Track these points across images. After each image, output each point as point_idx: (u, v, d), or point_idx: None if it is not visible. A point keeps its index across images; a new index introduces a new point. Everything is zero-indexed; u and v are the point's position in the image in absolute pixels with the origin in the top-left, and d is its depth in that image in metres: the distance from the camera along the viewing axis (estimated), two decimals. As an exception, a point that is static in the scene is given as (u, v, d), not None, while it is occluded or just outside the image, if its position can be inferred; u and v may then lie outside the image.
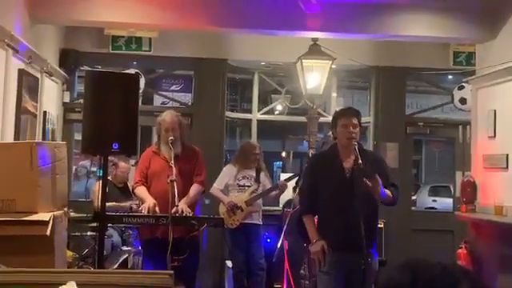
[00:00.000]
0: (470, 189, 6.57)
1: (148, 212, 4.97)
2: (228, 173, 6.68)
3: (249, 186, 6.58)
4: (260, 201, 6.65)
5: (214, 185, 6.58)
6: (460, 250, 6.48)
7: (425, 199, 16.11)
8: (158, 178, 5.16)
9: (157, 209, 4.97)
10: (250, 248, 6.56)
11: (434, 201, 15.81)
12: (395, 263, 1.28)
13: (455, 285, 1.10)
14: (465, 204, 6.59)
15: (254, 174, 6.63)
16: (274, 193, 6.66)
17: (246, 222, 6.51)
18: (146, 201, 5.07)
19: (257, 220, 6.60)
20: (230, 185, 6.59)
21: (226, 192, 6.59)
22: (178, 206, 4.91)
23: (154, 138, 9.80)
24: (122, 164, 6.88)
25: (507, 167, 5.98)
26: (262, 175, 6.68)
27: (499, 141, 6.18)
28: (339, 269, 4.21)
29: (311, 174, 4.51)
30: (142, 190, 5.25)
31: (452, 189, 9.50)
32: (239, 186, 6.59)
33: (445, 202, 13.51)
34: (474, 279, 1.13)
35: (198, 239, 5.26)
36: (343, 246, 4.15)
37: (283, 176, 7.91)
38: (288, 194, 6.89)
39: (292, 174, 6.88)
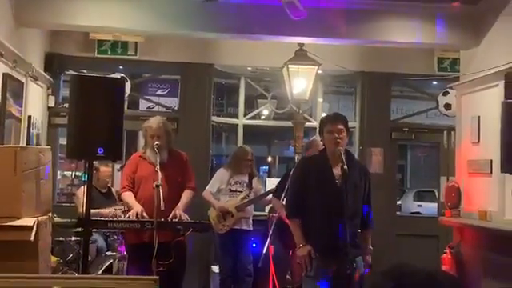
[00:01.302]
0: (455, 194, 6.61)
1: (136, 218, 4.96)
2: (220, 177, 6.67)
3: (240, 192, 6.56)
4: (251, 207, 6.64)
5: (207, 188, 6.58)
6: (444, 255, 6.51)
7: (410, 204, 16.19)
8: (145, 183, 5.15)
9: (144, 214, 4.97)
10: (238, 254, 6.54)
11: (419, 206, 15.90)
12: (380, 268, 1.29)
13: (439, 291, 1.11)
14: (449, 209, 6.63)
15: (247, 180, 6.61)
16: (268, 198, 6.62)
17: (236, 227, 6.50)
18: (134, 207, 5.06)
19: (246, 226, 6.58)
20: (222, 189, 6.58)
21: (217, 196, 6.57)
22: (175, 212, 4.96)
23: (140, 143, 9.79)
24: (102, 168, 6.84)
25: (491, 172, 6.03)
26: (255, 181, 6.67)
27: (483, 146, 6.23)
28: (325, 273, 4.22)
29: (300, 178, 4.51)
30: (128, 196, 5.23)
31: (437, 194, 9.55)
32: (231, 190, 6.58)
33: (430, 207, 13.59)
34: (457, 285, 1.14)
35: (184, 244, 5.26)
36: (329, 251, 4.16)
37: (269, 181, 7.92)
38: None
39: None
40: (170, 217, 4.97)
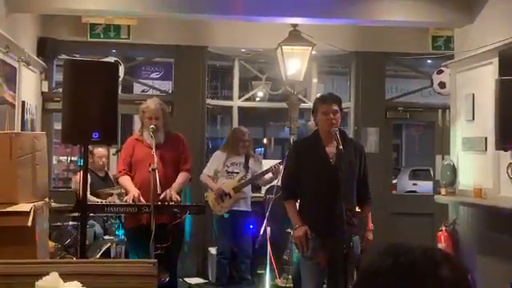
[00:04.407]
0: (450, 172, 6.64)
1: (133, 202, 4.98)
2: (217, 159, 6.69)
3: (237, 173, 6.58)
4: (249, 188, 6.66)
5: (204, 171, 6.61)
6: (440, 233, 6.55)
7: (405, 183, 16.23)
8: (142, 166, 5.15)
9: (141, 198, 4.98)
10: (237, 235, 6.57)
11: (415, 184, 15.94)
12: (376, 247, 1.29)
13: (436, 269, 1.11)
14: (444, 187, 6.67)
15: (243, 161, 6.63)
16: (268, 176, 6.63)
17: (234, 209, 6.52)
18: (130, 191, 5.08)
19: (245, 207, 6.60)
20: (219, 171, 6.60)
21: (215, 178, 6.60)
22: (167, 192, 4.96)
23: (135, 127, 9.78)
24: (97, 150, 6.79)
25: (486, 150, 6.05)
26: (251, 161, 6.68)
27: (478, 124, 6.25)
28: (322, 253, 4.24)
29: (294, 159, 4.52)
30: (125, 180, 5.24)
31: (432, 172, 9.59)
32: (228, 172, 6.59)
33: (425, 186, 13.64)
34: (454, 262, 1.15)
35: (181, 226, 5.28)
36: (326, 231, 4.19)
37: (265, 162, 7.92)
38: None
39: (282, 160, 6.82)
40: (162, 197, 4.93)
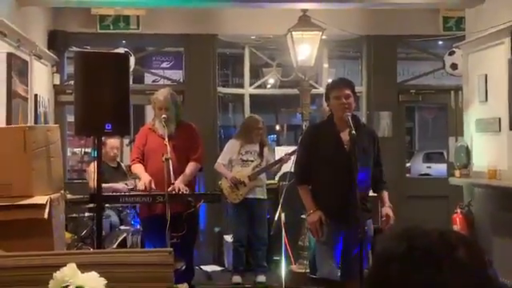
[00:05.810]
0: (464, 154, 6.61)
1: (145, 188, 5.00)
2: (231, 148, 6.68)
3: (252, 161, 6.58)
4: (264, 175, 6.66)
5: (218, 160, 6.62)
6: (455, 215, 6.54)
7: (419, 166, 16.17)
8: (154, 156, 5.16)
9: (153, 185, 5.00)
10: (253, 223, 6.58)
11: (429, 167, 15.87)
12: (390, 231, 1.29)
13: (452, 251, 1.11)
14: (459, 169, 6.64)
15: (258, 149, 6.63)
16: (278, 165, 6.65)
17: (250, 196, 6.52)
18: (142, 178, 5.10)
19: (260, 195, 6.60)
20: (234, 160, 6.60)
21: (229, 167, 6.61)
22: (174, 184, 4.93)
23: (147, 117, 9.81)
24: (110, 141, 6.78)
25: (500, 131, 6.01)
26: (266, 150, 6.68)
27: (491, 105, 6.20)
28: (337, 238, 4.25)
29: (307, 144, 4.51)
30: (138, 168, 5.27)
31: (446, 154, 9.54)
32: (243, 160, 6.59)
33: (439, 168, 13.57)
34: (470, 244, 1.14)
35: (196, 215, 5.30)
36: (340, 216, 4.19)
37: (278, 149, 7.92)
38: (286, 168, 6.86)
39: (295, 149, 6.80)
40: (169, 189, 4.90)
